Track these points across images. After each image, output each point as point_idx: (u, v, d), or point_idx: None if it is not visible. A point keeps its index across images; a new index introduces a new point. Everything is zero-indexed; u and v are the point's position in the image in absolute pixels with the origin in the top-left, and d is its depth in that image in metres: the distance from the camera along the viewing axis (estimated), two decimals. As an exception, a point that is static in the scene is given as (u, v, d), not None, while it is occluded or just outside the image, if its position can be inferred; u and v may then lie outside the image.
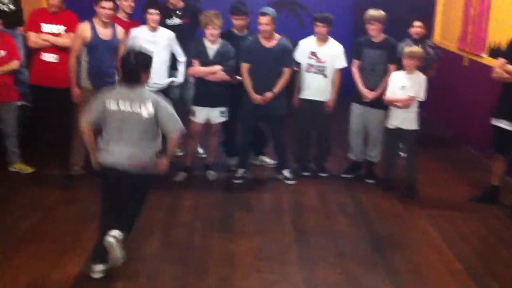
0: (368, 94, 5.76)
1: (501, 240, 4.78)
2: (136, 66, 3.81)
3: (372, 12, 5.73)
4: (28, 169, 5.78)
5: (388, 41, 5.77)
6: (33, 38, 5.61)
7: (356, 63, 5.88)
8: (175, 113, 3.93)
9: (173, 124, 3.91)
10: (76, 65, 5.47)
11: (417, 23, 6.31)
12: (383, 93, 5.67)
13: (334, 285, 4.01)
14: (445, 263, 4.37)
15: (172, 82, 5.91)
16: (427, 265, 4.34)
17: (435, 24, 8.56)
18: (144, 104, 3.80)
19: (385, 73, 5.73)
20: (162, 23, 5.91)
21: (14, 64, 5.56)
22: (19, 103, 5.89)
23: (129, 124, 3.82)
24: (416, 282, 4.09)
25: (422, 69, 5.69)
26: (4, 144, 5.74)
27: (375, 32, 5.71)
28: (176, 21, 6.08)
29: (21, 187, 5.51)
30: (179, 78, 5.93)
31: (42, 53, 5.65)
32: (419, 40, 6.24)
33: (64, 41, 5.61)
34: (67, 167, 5.72)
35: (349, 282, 4.04)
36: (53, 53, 5.65)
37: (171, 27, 5.99)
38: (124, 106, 3.80)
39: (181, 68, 5.91)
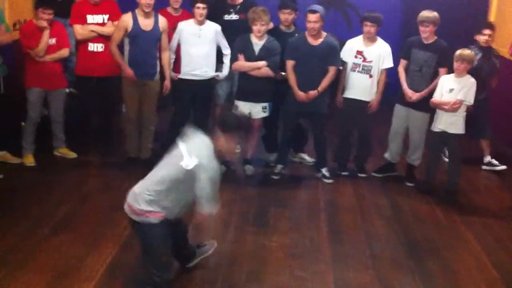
0: (412, 95, 5.67)
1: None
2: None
3: (426, 13, 5.61)
4: (72, 155, 5.96)
5: (439, 44, 5.65)
6: (80, 31, 5.76)
7: (403, 63, 5.80)
8: (215, 189, 3.39)
9: (205, 198, 3.33)
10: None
11: (486, 31, 6.04)
12: (428, 95, 5.57)
13: (365, 286, 3.99)
14: (482, 270, 4.28)
15: (217, 76, 5.95)
16: (463, 272, 4.25)
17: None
18: (190, 154, 3.32)
19: (433, 76, 5.63)
20: (220, 18, 5.95)
21: (64, 52, 5.73)
22: (67, 90, 6.07)
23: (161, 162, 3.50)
24: (450, 289, 4.02)
25: (487, 79, 5.88)
26: (51, 129, 5.92)
27: (427, 34, 5.61)
28: (233, 16, 6.09)
29: (64, 172, 5.69)
30: (224, 71, 5.97)
31: (89, 43, 5.80)
32: (486, 49, 6.06)
33: (109, 29, 5.75)
34: (123, 152, 5.88)
35: (381, 285, 4.01)
36: (100, 42, 5.80)
37: (229, 22, 6.00)
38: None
39: (226, 61, 5.94)
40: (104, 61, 5.79)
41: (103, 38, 5.79)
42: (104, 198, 5.16)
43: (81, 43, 5.84)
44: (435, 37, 5.67)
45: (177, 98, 6.03)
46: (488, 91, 6.22)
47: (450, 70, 5.53)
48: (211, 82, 5.97)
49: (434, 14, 5.60)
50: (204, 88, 5.90)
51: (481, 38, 6.03)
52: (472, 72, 5.52)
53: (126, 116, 5.82)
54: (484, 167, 6.43)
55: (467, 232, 4.91)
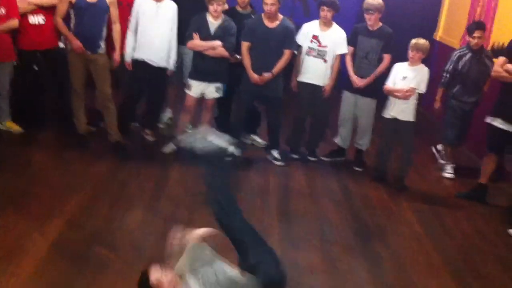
0: (358, 82, 5.75)
1: (483, 238, 4.81)
2: None
3: (371, 1, 5.70)
4: (17, 129, 5.74)
5: (384, 30, 5.75)
6: (18, 4, 5.49)
7: (350, 50, 5.87)
8: None
9: None
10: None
11: (476, 33, 5.69)
12: (374, 81, 5.70)
13: (314, 267, 4.03)
14: (426, 256, 4.40)
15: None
16: (408, 256, 4.36)
17: (440, 19, 8.51)
18: None
19: (379, 62, 5.73)
20: None
21: (14, 23, 5.45)
22: (15, 63, 5.83)
23: None
24: (395, 272, 4.11)
25: (478, 82, 5.78)
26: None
27: (373, 21, 5.69)
28: None
29: (12, 147, 5.48)
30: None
31: (29, 16, 5.53)
32: (476, 50, 5.79)
33: (48, 0, 5.51)
34: (74, 128, 5.71)
35: (329, 266, 4.06)
36: (40, 14, 5.55)
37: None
38: None
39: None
40: (46, 34, 5.58)
41: (44, 10, 5.55)
42: (53, 175, 5.02)
43: (22, 17, 5.57)
44: (380, 24, 5.76)
45: (131, 77, 5.88)
46: (481, 95, 5.92)
47: (395, 57, 5.68)
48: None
49: (379, 1, 5.69)
50: (159, 74, 5.79)
51: (471, 41, 5.74)
52: (461, 74, 5.67)
53: (73, 89, 5.63)
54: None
55: (414, 218, 5.03)
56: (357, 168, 6.05)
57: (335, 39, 5.79)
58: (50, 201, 4.50)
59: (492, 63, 5.64)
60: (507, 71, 4.96)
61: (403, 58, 5.54)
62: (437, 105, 6.13)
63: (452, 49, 7.63)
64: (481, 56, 5.78)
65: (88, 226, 4.18)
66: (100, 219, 4.32)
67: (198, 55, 5.58)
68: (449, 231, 4.88)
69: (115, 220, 4.32)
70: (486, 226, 5.05)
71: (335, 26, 5.84)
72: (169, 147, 5.83)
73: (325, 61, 5.79)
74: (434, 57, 8.07)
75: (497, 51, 6.22)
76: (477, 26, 5.78)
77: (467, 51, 5.79)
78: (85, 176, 5.04)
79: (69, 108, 5.69)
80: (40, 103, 6.10)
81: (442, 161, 6.33)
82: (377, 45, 5.70)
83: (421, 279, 4.06)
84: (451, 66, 5.88)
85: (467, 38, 5.87)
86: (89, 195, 4.70)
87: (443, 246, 4.59)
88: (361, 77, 5.77)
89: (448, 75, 5.90)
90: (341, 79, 6.04)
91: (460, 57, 5.80)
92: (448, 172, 6.14)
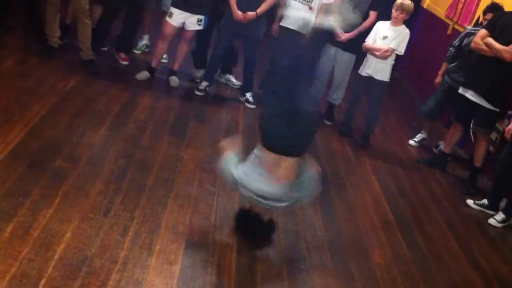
0: (342, 35, 5.71)
1: (436, 202, 4.94)
2: None
3: None
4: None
5: None
6: None
7: (337, 1, 5.76)
8: None
9: None
10: None
11: (488, 16, 5.42)
12: (356, 37, 5.68)
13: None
14: (379, 211, 4.50)
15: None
16: (362, 209, 4.46)
17: (429, -13, 8.45)
18: None
19: (364, 19, 5.68)
20: None
21: None
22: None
23: None
24: (347, 222, 4.21)
25: None
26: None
27: None
28: None
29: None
30: None
31: None
32: None
33: None
34: (45, 39, 5.54)
35: (283, 208, 4.11)
36: None
37: None
38: None
39: None
40: None
41: None
42: (17, 80, 4.89)
43: None
44: None
45: None
46: None
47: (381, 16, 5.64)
48: None
49: None
50: None
51: (483, 22, 5.46)
52: (462, 51, 5.51)
53: (49, 1, 5.41)
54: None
55: (372, 175, 5.13)
56: (326, 122, 6.08)
57: None
58: (12, 106, 4.41)
59: None
60: (486, 44, 4.98)
61: (387, 18, 5.52)
62: (437, 79, 6.02)
63: (437, 19, 7.66)
64: None
65: (48, 136, 4.12)
66: (61, 130, 4.27)
67: (183, -17, 5.45)
68: (404, 192, 4.99)
69: (76, 134, 4.28)
70: (440, 191, 5.18)
71: None
72: (143, 74, 5.75)
73: (310, 8, 5.71)
74: (418, 24, 8.07)
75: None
76: (492, 8, 5.50)
77: (478, 30, 5.36)
78: (50, 87, 4.93)
79: (42, 17, 5.51)
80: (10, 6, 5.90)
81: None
82: (366, 1, 5.64)
83: (370, 231, 4.17)
84: (457, 42, 5.76)
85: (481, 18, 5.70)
86: (52, 105, 4.61)
87: (396, 204, 4.70)
88: (345, 30, 5.72)
89: (453, 50, 5.77)
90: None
91: (468, 34, 5.61)
92: (413, 140, 6.18)
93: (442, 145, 5.94)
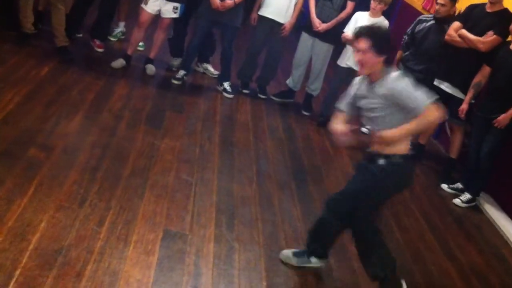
0: (320, 25, 5.69)
1: (411, 193, 4.95)
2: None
3: None
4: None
5: None
6: None
7: None
8: None
9: None
10: None
11: (441, 0, 5.28)
12: (334, 27, 5.67)
13: (246, 199, 4.07)
14: (356, 202, 4.50)
15: None
16: (339, 200, 4.46)
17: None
18: None
19: (342, 9, 5.67)
20: None
21: None
22: None
23: None
24: (325, 213, 4.20)
25: (433, 52, 5.31)
26: None
27: None
28: None
29: None
30: None
31: None
32: (439, 19, 5.34)
33: None
34: (18, 25, 5.39)
35: (261, 199, 4.11)
36: None
37: None
38: None
39: None
40: None
41: None
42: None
43: None
44: None
45: None
46: (430, 66, 5.40)
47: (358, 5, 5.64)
48: None
49: None
50: None
51: (435, 7, 5.41)
52: (415, 38, 5.47)
53: None
54: None
55: (350, 166, 5.11)
56: (304, 112, 6.07)
57: None
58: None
59: None
60: (460, 36, 5.02)
61: (365, 9, 5.52)
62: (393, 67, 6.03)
63: (414, 10, 7.68)
64: (443, 27, 5.30)
65: (22, 125, 4.03)
66: (35, 119, 4.18)
67: (160, -30, 5.37)
68: (381, 183, 5.00)
69: (50, 122, 4.20)
70: (415, 182, 5.18)
71: None
72: (118, 62, 5.66)
73: (289, -4, 5.70)
74: (395, 15, 8.09)
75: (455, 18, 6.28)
76: None
77: (431, 18, 5.48)
78: (24, 74, 4.83)
79: (16, 3, 5.38)
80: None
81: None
82: None
83: (347, 222, 4.17)
84: (410, 30, 5.71)
85: (435, 4, 5.64)
86: (26, 92, 4.52)
87: (374, 195, 4.72)
88: (322, 21, 5.70)
89: (407, 38, 5.73)
90: (301, 20, 5.97)
91: (420, 21, 5.59)
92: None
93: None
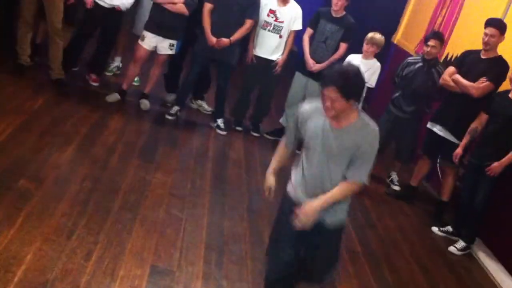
0: (314, 65, 5.76)
1: (403, 235, 4.95)
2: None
3: None
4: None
5: (347, 19, 5.74)
6: None
7: (309, 32, 5.86)
8: None
9: None
10: None
11: (432, 42, 5.32)
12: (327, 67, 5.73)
13: (237, 235, 4.04)
14: (347, 243, 4.46)
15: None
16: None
17: (401, 23, 8.64)
18: None
19: (336, 49, 5.75)
20: None
21: None
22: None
23: None
24: (315, 253, 4.17)
25: (423, 93, 5.40)
26: None
27: (338, 7, 5.64)
28: None
29: None
30: None
31: None
32: (428, 60, 5.41)
33: None
34: (15, 57, 5.44)
35: (252, 236, 4.08)
36: None
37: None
38: None
39: None
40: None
41: None
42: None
43: None
44: (344, 12, 5.74)
45: (86, 15, 5.68)
46: (420, 107, 5.50)
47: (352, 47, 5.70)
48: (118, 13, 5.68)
49: None
50: (110, 18, 5.63)
51: (425, 49, 5.42)
52: (404, 80, 5.53)
53: (21, 17, 5.35)
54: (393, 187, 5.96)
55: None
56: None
57: (292, 15, 5.76)
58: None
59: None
60: (454, 80, 5.09)
61: (358, 51, 5.60)
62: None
63: (407, 54, 7.79)
64: (431, 68, 5.39)
65: (14, 155, 4.03)
66: (27, 149, 4.18)
67: (158, 7, 5.44)
68: (371, 223, 4.99)
69: (42, 153, 4.20)
70: (407, 224, 5.20)
71: (292, 2, 5.81)
72: (114, 97, 5.68)
73: (280, 36, 5.77)
74: (388, 59, 8.21)
75: (448, 63, 6.38)
76: (434, 35, 5.49)
77: (419, 59, 5.54)
78: (18, 105, 4.85)
79: (14, 35, 5.43)
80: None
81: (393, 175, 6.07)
82: (337, 32, 5.71)
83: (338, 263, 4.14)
84: (400, 72, 5.71)
85: (424, 47, 5.69)
86: (19, 123, 4.52)
87: (364, 236, 4.69)
88: (316, 61, 5.78)
89: (398, 79, 5.76)
90: (295, 60, 6.04)
91: (409, 64, 5.62)
92: (396, 184, 6.03)
93: (394, 175, 5.99)
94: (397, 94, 5.67)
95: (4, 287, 2.79)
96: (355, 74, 2.79)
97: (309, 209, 2.91)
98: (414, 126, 5.63)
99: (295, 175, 3.17)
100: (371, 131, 2.89)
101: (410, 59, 5.72)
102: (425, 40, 5.51)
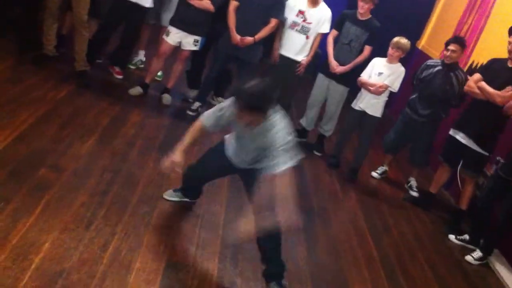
0: (336, 67, 5.74)
1: (418, 241, 4.90)
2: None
3: None
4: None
5: (372, 22, 5.70)
6: None
7: (333, 33, 5.84)
8: None
9: None
10: None
11: (452, 46, 5.30)
12: (350, 70, 5.72)
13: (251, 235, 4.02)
14: (363, 248, 4.45)
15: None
16: (346, 244, 4.41)
17: (426, 29, 8.58)
18: None
19: (360, 52, 5.72)
20: None
21: None
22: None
23: None
24: (331, 256, 4.16)
25: (439, 98, 5.38)
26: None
27: (364, 10, 5.61)
28: None
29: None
30: None
31: None
32: (448, 65, 5.39)
33: None
34: (41, 47, 5.48)
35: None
36: None
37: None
38: None
39: None
40: None
41: None
42: (8, 86, 4.82)
43: None
44: (370, 15, 5.71)
45: (112, 8, 5.72)
46: (436, 111, 5.48)
47: (376, 50, 5.67)
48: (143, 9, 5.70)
49: None
50: (135, 12, 5.66)
51: (445, 53, 5.39)
52: (423, 82, 5.51)
53: (47, 8, 5.38)
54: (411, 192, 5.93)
55: (358, 210, 5.09)
56: (316, 153, 6.07)
57: (321, 18, 5.73)
58: (0, 111, 4.34)
59: (459, 84, 5.33)
60: (479, 87, 5.03)
61: (383, 55, 5.57)
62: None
63: (430, 58, 7.71)
64: (450, 73, 5.36)
65: (35, 144, 4.06)
66: (48, 139, 4.21)
67: (183, 3, 5.45)
68: (388, 229, 4.95)
69: (63, 144, 4.22)
70: (423, 231, 5.15)
71: (322, 4, 5.78)
72: (136, 90, 5.72)
73: (307, 37, 5.74)
74: (412, 64, 8.15)
75: (473, 71, 6.30)
76: (455, 40, 5.43)
77: (439, 63, 5.52)
78: (41, 95, 4.88)
79: (39, 25, 5.47)
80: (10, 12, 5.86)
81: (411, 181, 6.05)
82: (362, 35, 5.68)
83: (353, 266, 4.12)
84: (418, 74, 5.69)
85: (444, 51, 5.64)
86: (41, 113, 4.56)
87: (380, 241, 4.66)
88: (340, 63, 5.76)
89: (416, 81, 5.71)
90: (318, 61, 6.02)
91: (428, 66, 5.59)
92: (376, 172, 6.06)
93: (412, 181, 5.94)
94: (413, 96, 5.66)
95: (22, 274, 2.82)
96: (259, 89, 3.03)
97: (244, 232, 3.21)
98: (429, 130, 5.60)
99: (229, 142, 3.72)
100: (277, 126, 3.19)
101: (429, 62, 5.68)
102: (446, 44, 5.46)
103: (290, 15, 5.73)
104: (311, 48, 5.81)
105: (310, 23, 5.70)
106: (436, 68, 5.48)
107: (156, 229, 3.64)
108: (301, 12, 5.71)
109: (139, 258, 3.29)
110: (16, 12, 5.94)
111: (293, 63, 5.82)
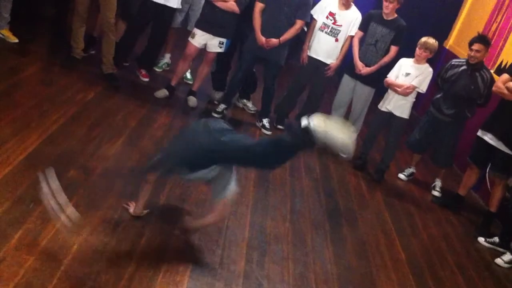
0: (362, 68, 5.70)
1: (447, 244, 4.84)
2: None
3: None
4: (13, 39, 5.59)
5: (398, 22, 5.66)
6: None
7: (359, 34, 5.79)
8: None
9: None
10: None
11: (476, 46, 5.22)
12: (376, 71, 5.68)
13: (279, 236, 4.02)
14: (391, 250, 4.41)
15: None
16: (373, 246, 4.37)
17: (453, 28, 8.46)
18: None
19: (386, 53, 5.68)
20: None
21: None
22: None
23: None
24: (358, 258, 4.12)
25: (464, 97, 5.33)
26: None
27: (390, 10, 5.57)
28: None
29: (3, 54, 5.34)
30: None
31: None
32: (473, 66, 5.31)
33: None
34: (70, 50, 5.57)
35: (294, 238, 4.06)
36: None
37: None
38: None
39: None
40: None
41: None
42: (39, 88, 4.90)
43: None
44: (396, 15, 5.67)
45: (140, 10, 5.77)
46: (460, 110, 5.44)
47: (402, 52, 5.62)
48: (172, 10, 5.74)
49: None
50: (162, 14, 5.70)
51: (469, 53, 5.29)
52: (447, 82, 5.45)
53: (75, 11, 5.46)
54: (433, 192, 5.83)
55: (385, 212, 5.04)
56: (342, 155, 6.01)
57: (351, 20, 5.71)
58: (31, 112, 4.40)
59: (484, 84, 5.27)
60: (508, 88, 4.94)
61: (409, 55, 5.51)
62: None
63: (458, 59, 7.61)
64: (475, 72, 5.29)
65: (64, 145, 4.11)
66: (77, 141, 4.26)
67: (209, 4, 5.47)
68: (416, 231, 4.89)
69: (92, 145, 4.27)
70: (452, 233, 5.08)
71: (353, 8, 5.75)
72: (162, 92, 5.75)
73: (336, 40, 5.72)
74: (439, 64, 8.05)
75: (502, 70, 6.20)
76: (478, 38, 5.30)
77: (463, 62, 5.42)
78: (70, 96, 4.95)
79: (68, 28, 5.55)
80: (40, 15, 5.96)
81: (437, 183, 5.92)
82: (388, 35, 5.64)
83: (381, 268, 4.08)
84: (443, 74, 5.60)
85: (468, 50, 5.46)
86: (70, 115, 4.62)
87: (408, 243, 4.61)
88: (365, 64, 5.72)
89: (441, 81, 5.63)
90: (343, 62, 5.99)
91: (453, 66, 5.50)
92: (403, 174, 6.00)
93: (437, 182, 5.85)
94: (438, 96, 5.60)
95: (51, 275, 2.85)
96: None
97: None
98: (454, 130, 5.54)
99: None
100: None
101: (454, 61, 5.60)
102: (469, 44, 5.35)
103: (321, 16, 5.72)
104: (340, 51, 5.77)
105: (340, 25, 5.67)
106: (461, 68, 5.41)
107: (182, 231, 3.65)
108: (331, 14, 5.68)
109: (167, 260, 3.31)
110: (49, 11, 6.04)
111: (321, 65, 5.80)
